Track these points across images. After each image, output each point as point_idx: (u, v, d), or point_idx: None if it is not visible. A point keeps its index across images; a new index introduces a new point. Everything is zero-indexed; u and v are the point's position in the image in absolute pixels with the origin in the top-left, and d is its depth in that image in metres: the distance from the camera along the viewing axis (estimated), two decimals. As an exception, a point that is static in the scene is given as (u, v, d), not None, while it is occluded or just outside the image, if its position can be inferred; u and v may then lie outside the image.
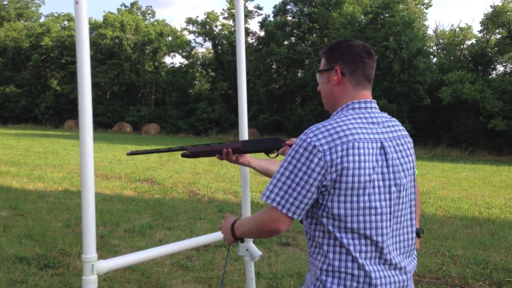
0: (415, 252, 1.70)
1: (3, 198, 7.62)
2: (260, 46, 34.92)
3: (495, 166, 17.10)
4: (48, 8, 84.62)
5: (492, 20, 26.64)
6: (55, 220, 6.29)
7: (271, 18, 35.74)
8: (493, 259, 5.24)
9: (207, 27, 37.52)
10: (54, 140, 22.15)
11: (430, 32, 31.30)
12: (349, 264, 1.51)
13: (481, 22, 27.68)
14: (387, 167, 1.54)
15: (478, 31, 28.41)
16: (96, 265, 1.85)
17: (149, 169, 12.09)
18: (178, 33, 41.78)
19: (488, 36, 27.73)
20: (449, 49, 29.40)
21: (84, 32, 1.79)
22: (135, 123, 35.20)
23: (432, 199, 9.12)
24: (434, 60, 28.88)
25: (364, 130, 1.52)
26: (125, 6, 42.00)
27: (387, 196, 1.53)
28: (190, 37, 64.25)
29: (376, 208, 1.51)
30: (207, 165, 13.43)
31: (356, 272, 1.51)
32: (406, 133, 1.69)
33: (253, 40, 36.86)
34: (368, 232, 1.51)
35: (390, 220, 1.54)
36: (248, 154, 2.31)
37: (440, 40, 30.55)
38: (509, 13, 26.14)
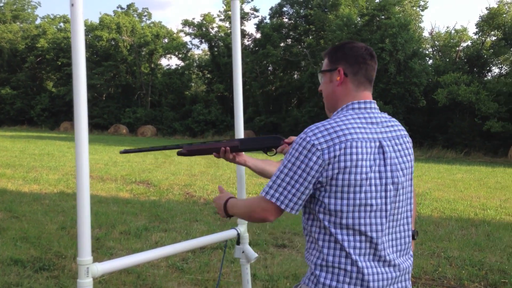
0: (411, 251, 1.73)
1: (-2, 200, 7.59)
2: (257, 48, 34.95)
3: (490, 168, 17.16)
4: (44, 10, 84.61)
5: (488, 22, 26.75)
6: (50, 223, 6.27)
7: (268, 20, 35.79)
8: (489, 260, 5.25)
9: (204, 29, 37.51)
10: (49, 142, 22.08)
11: (425, 34, 31.36)
12: (343, 260, 1.55)
13: (476, 24, 27.80)
14: (385, 165, 1.57)
15: (474, 33, 28.52)
16: (91, 268, 1.83)
17: (145, 171, 12.07)
18: (174, 35, 41.75)
19: (483, 38, 27.83)
20: (445, 51, 29.51)
21: (79, 34, 1.79)
22: (131, 125, 35.14)
23: (428, 200, 9.14)
24: (430, 62, 28.96)
25: (363, 130, 1.56)
26: (121, 8, 41.94)
27: (384, 194, 1.57)
28: (186, 39, 63.94)
29: (372, 205, 1.54)
30: (203, 166, 13.43)
31: (349, 267, 1.54)
32: (406, 133, 1.73)
33: (250, 42, 36.88)
34: (363, 228, 1.54)
35: (386, 217, 1.58)
36: (244, 153, 2.30)
37: (436, 42, 30.65)
38: (504, 15, 26.26)
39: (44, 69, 41.47)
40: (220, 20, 37.75)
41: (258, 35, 35.67)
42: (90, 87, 33.80)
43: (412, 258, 1.72)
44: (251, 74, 32.77)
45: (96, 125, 35.44)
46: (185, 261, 4.83)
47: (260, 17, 41.51)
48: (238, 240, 2.69)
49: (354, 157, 1.51)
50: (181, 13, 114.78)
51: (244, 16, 36.10)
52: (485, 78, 27.25)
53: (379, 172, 1.56)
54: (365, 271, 1.54)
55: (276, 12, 35.16)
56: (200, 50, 44.49)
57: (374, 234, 1.55)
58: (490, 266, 5.01)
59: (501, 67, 28.70)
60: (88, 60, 33.53)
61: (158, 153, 17.40)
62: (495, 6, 26.56)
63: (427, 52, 29.80)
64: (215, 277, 4.39)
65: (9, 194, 8.25)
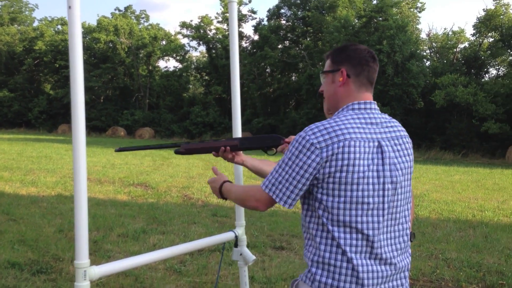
0: (409, 250, 1.75)
1: (-4, 203, 7.57)
2: (254, 50, 34.97)
3: (488, 169, 17.18)
4: (41, 12, 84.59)
5: (485, 23, 26.81)
6: (48, 225, 6.25)
7: (265, 22, 35.83)
8: (486, 262, 5.26)
9: (201, 31, 37.52)
10: (47, 144, 22.05)
11: (423, 35, 31.48)
12: (339, 257, 1.58)
13: (474, 26, 27.84)
14: (383, 165, 1.60)
15: (471, 34, 28.65)
16: (88, 271, 1.83)
17: (143, 173, 12.06)
18: (172, 37, 41.78)
19: (481, 40, 27.90)
20: (442, 52, 29.57)
21: (77, 36, 1.79)
22: (129, 127, 35.12)
23: (426, 202, 9.15)
24: (428, 63, 29.03)
25: (362, 130, 1.59)
26: (119, 10, 41.97)
27: (381, 192, 1.59)
28: (184, 41, 64.10)
29: (369, 203, 1.57)
30: (201, 169, 13.42)
31: (344, 265, 1.57)
32: (406, 134, 1.76)
33: (247, 44, 36.92)
34: (359, 226, 1.57)
35: (383, 216, 1.60)
36: (242, 153, 2.29)
37: (433, 44, 30.73)
38: (501, 17, 26.33)
39: (41, 71, 41.46)
40: (218, 22, 37.81)
41: (256, 37, 35.72)
42: (88, 90, 33.77)
43: (410, 257, 1.73)
44: (249, 76, 32.80)
45: (94, 128, 35.40)
46: (183, 264, 4.82)
47: (257, 19, 41.64)
48: (236, 242, 2.69)
49: (352, 155, 1.54)
50: (178, 15, 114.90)
51: (242, 18, 36.14)
52: (483, 80, 27.31)
53: (377, 171, 1.58)
54: (360, 268, 1.56)
55: (274, 14, 35.19)
56: (198, 52, 44.40)
57: (370, 232, 1.58)
58: (488, 268, 5.01)
59: (499, 69, 28.81)
60: (85, 62, 33.34)
61: (156, 155, 17.39)
62: (492, 7, 26.65)
63: (424, 53, 29.89)
64: (213, 280, 4.38)
65: (6, 196, 8.23)
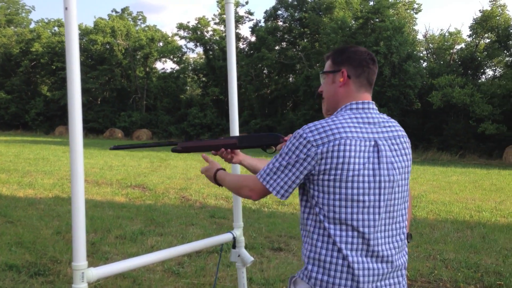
0: (406, 248, 1.77)
1: (-7, 205, 7.55)
2: (252, 51, 34.98)
3: (485, 170, 17.22)
4: (38, 14, 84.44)
5: (481, 24, 26.87)
6: (45, 227, 6.23)
7: (262, 23, 35.85)
8: (484, 262, 5.26)
9: (198, 33, 37.52)
10: (44, 146, 22.01)
11: (420, 36, 31.50)
12: (335, 254, 1.61)
13: (470, 27, 27.91)
14: (379, 163, 1.62)
15: (468, 35, 28.63)
16: (86, 272, 1.83)
17: (140, 175, 12.05)
18: (169, 38, 41.75)
19: (477, 41, 27.96)
20: (439, 53, 29.62)
21: (73, 37, 1.79)
22: (126, 129, 35.08)
23: (423, 203, 9.16)
24: (424, 64, 29.06)
25: (359, 129, 1.62)
26: (116, 12, 41.94)
27: (377, 191, 1.62)
28: (181, 42, 64.26)
29: (364, 201, 1.60)
30: (199, 170, 13.41)
31: (340, 262, 1.60)
32: (404, 133, 1.79)
33: (244, 45, 36.92)
34: (355, 223, 1.60)
35: (379, 214, 1.63)
36: (241, 153, 2.28)
37: (430, 45, 30.78)
38: (497, 18, 26.39)
39: (38, 73, 41.38)
40: (215, 23, 37.81)
41: (253, 39, 35.73)
42: (85, 91, 33.73)
43: (406, 255, 1.76)
44: (246, 77, 32.80)
45: (91, 129, 35.36)
46: (181, 265, 4.82)
47: (254, 21, 41.48)
48: (234, 244, 2.69)
49: (347, 153, 1.57)
50: (176, 16, 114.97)
51: (239, 20, 36.15)
52: (479, 81, 27.36)
53: (373, 169, 1.61)
54: (356, 265, 1.59)
55: (271, 15, 35.22)
56: (195, 53, 44.55)
57: (366, 230, 1.60)
58: (486, 268, 5.02)
59: (495, 69, 28.86)
60: (82, 64, 33.48)
61: (154, 157, 17.38)
62: (489, 8, 26.72)
63: (421, 54, 29.93)
64: (211, 281, 4.37)
65: (3, 199, 8.21)
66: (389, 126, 1.72)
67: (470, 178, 13.94)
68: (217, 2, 36.82)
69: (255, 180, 1.72)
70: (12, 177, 10.81)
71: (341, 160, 1.57)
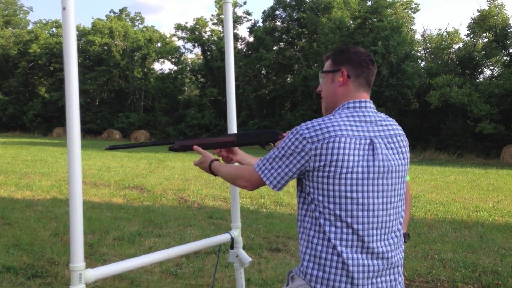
0: (403, 246, 1.80)
1: (-9, 207, 7.53)
2: (250, 52, 34.98)
3: (483, 169, 17.24)
4: (36, 15, 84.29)
5: (479, 24, 26.91)
6: (43, 229, 6.23)
7: (260, 24, 35.85)
8: (482, 262, 5.27)
9: (196, 33, 37.51)
10: (42, 148, 21.98)
11: (418, 36, 31.54)
12: (330, 250, 1.63)
13: (468, 26, 27.94)
14: (373, 161, 1.65)
15: (465, 35, 28.83)
16: (84, 274, 1.83)
17: (138, 176, 12.04)
18: (167, 39, 41.75)
19: (475, 40, 28.00)
20: (437, 53, 29.66)
21: (71, 38, 1.78)
22: (124, 130, 35.05)
23: (421, 202, 9.17)
24: (422, 64, 29.09)
25: (354, 128, 1.65)
26: (114, 13, 41.92)
27: (370, 188, 1.64)
28: (179, 43, 64.17)
29: (357, 198, 1.63)
30: (196, 171, 13.40)
31: (335, 258, 1.63)
32: (402, 132, 1.81)
33: (243, 45, 36.91)
34: (349, 220, 1.63)
35: (373, 211, 1.65)
36: (240, 151, 2.28)
37: (428, 44, 30.81)
38: (495, 17, 26.43)
39: (36, 74, 41.31)
40: (213, 24, 37.82)
41: (251, 39, 35.72)
42: (83, 92, 33.69)
43: (403, 253, 1.78)
44: (244, 77, 32.78)
45: (89, 131, 35.32)
46: (179, 267, 4.81)
47: (252, 21, 41.51)
48: (232, 244, 2.69)
49: (341, 151, 1.60)
50: (173, 17, 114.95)
51: (237, 20, 36.14)
52: (477, 80, 27.40)
53: (367, 167, 1.63)
54: (350, 262, 1.61)
55: (269, 15, 35.21)
56: (193, 54, 44.50)
57: (360, 227, 1.63)
58: (484, 268, 5.03)
59: (493, 69, 28.91)
60: (80, 65, 33.40)
61: (152, 158, 17.37)
62: (486, 8, 26.76)
63: (419, 54, 29.96)
64: (210, 282, 4.37)
65: (1, 200, 8.20)
66: (386, 125, 1.74)
67: (468, 178, 13.96)
68: (215, 2, 36.86)
69: (251, 171, 1.77)
70: (10, 179, 10.79)
71: (334, 157, 1.60)
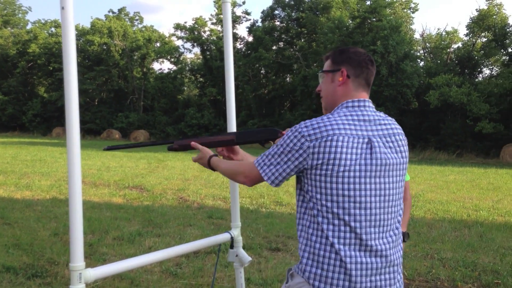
0: (401, 244, 1.80)
1: (-10, 207, 7.53)
2: (249, 51, 34.97)
3: (482, 169, 17.25)
4: (35, 15, 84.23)
5: (478, 23, 26.91)
6: (43, 229, 6.22)
7: (259, 23, 35.83)
8: (482, 261, 5.27)
9: (196, 33, 37.48)
10: (41, 148, 21.97)
11: (417, 36, 31.57)
12: (328, 248, 1.65)
13: (467, 26, 27.94)
14: (371, 159, 1.66)
15: (464, 34, 28.67)
16: (84, 273, 1.82)
17: (138, 176, 12.03)
18: (166, 39, 41.72)
19: (474, 40, 28.01)
20: (436, 52, 29.66)
21: (70, 38, 1.78)
22: (123, 130, 35.04)
23: (421, 202, 9.17)
24: (421, 63, 29.10)
25: (352, 127, 1.67)
26: (113, 12, 41.89)
27: (368, 186, 1.66)
28: (179, 42, 64.18)
29: (355, 196, 1.64)
30: (196, 171, 13.41)
31: (333, 256, 1.64)
32: (401, 131, 1.82)
33: (242, 45, 36.90)
34: (346, 217, 1.64)
35: (370, 209, 1.66)
36: (241, 150, 2.28)
37: (427, 44, 30.82)
38: (494, 17, 26.44)
39: (35, 74, 41.28)
40: (212, 23, 37.79)
41: (250, 39, 35.70)
42: (82, 92, 33.67)
43: (401, 251, 1.79)
44: (243, 77, 32.77)
45: (89, 130, 35.30)
46: (179, 266, 4.81)
47: (252, 21, 41.54)
48: (231, 244, 2.69)
49: (338, 149, 1.62)
50: (172, 17, 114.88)
51: (236, 20, 36.12)
52: (476, 80, 27.40)
53: (364, 165, 1.65)
54: (348, 260, 1.62)
55: (268, 15, 35.19)
56: (192, 54, 44.35)
57: (357, 224, 1.64)
58: (483, 267, 5.03)
59: (492, 68, 28.91)
60: (79, 65, 33.40)
61: (151, 158, 17.36)
62: (485, 7, 26.76)
63: (418, 54, 29.97)
64: (209, 282, 4.37)
65: (1, 200, 8.19)
66: (385, 124, 1.75)
67: (468, 177, 13.97)
68: (214, 2, 36.85)
69: (251, 167, 1.80)
70: (9, 179, 10.79)
71: (332, 155, 1.62)
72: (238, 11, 37.15)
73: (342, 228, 1.64)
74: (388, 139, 1.73)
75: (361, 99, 1.75)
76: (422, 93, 25.41)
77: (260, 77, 35.24)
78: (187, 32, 37.75)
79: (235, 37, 35.98)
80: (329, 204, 1.64)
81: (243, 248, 2.71)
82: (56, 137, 33.61)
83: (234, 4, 35.52)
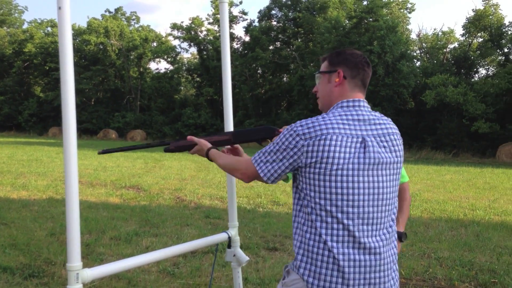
0: (395, 242, 1.82)
1: (-14, 207, 7.50)
2: (246, 51, 34.98)
3: (478, 168, 17.29)
4: (31, 14, 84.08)
5: (474, 23, 27.00)
6: (39, 229, 6.20)
7: (256, 23, 35.85)
8: (478, 260, 5.29)
9: (192, 33, 37.46)
10: (38, 147, 21.91)
11: (413, 36, 31.62)
12: (321, 245, 1.67)
13: (463, 26, 28.04)
14: (364, 158, 1.69)
15: (461, 34, 28.77)
16: (81, 273, 1.82)
17: (135, 176, 12.02)
18: (163, 38, 41.69)
19: (470, 40, 28.09)
20: (432, 52, 29.73)
21: (67, 38, 1.78)
22: (120, 130, 34.99)
23: (418, 201, 9.19)
24: (418, 63, 29.17)
25: (346, 126, 1.70)
26: (109, 12, 41.84)
27: (361, 184, 1.68)
28: (175, 42, 64.22)
29: (348, 194, 1.67)
30: (193, 170, 13.40)
31: (326, 253, 1.66)
32: (396, 131, 1.83)
33: (239, 45, 36.90)
34: (339, 215, 1.66)
35: (364, 207, 1.68)
36: (241, 148, 2.27)
37: (423, 44, 30.88)
38: (490, 17, 26.53)
39: (31, 74, 41.19)
40: (209, 23, 37.79)
41: (247, 38, 35.73)
42: (79, 92, 33.61)
43: (395, 248, 1.80)
44: (240, 77, 32.79)
45: (85, 130, 35.25)
46: (176, 266, 4.81)
47: (248, 20, 41.56)
48: (229, 243, 2.68)
49: (332, 148, 1.65)
50: (169, 16, 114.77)
51: (233, 19, 36.12)
52: (473, 80, 27.49)
53: (358, 164, 1.67)
54: (341, 257, 1.65)
55: (265, 15, 35.22)
56: (189, 53, 44.47)
57: (350, 222, 1.66)
58: (480, 266, 5.04)
59: (488, 68, 29.00)
60: (76, 64, 33.36)
61: (148, 158, 17.34)
62: (481, 7, 26.84)
63: (415, 54, 30.03)
64: (207, 282, 4.37)
65: (-3, 200, 8.17)
66: (380, 124, 1.77)
67: (464, 177, 14.01)
68: (211, 2, 36.82)
69: (248, 164, 1.83)
70: (6, 179, 10.75)
71: (326, 154, 1.65)
72: (235, 11, 37.22)
73: (335, 225, 1.66)
74: (383, 138, 1.75)
75: (356, 99, 1.78)
76: (418, 93, 25.47)
77: (257, 77, 35.26)
78: (183, 32, 37.73)
79: (232, 37, 35.99)
80: (322, 202, 1.67)
81: (241, 247, 2.71)
82: (53, 137, 33.55)
83: (231, 4, 35.51)
